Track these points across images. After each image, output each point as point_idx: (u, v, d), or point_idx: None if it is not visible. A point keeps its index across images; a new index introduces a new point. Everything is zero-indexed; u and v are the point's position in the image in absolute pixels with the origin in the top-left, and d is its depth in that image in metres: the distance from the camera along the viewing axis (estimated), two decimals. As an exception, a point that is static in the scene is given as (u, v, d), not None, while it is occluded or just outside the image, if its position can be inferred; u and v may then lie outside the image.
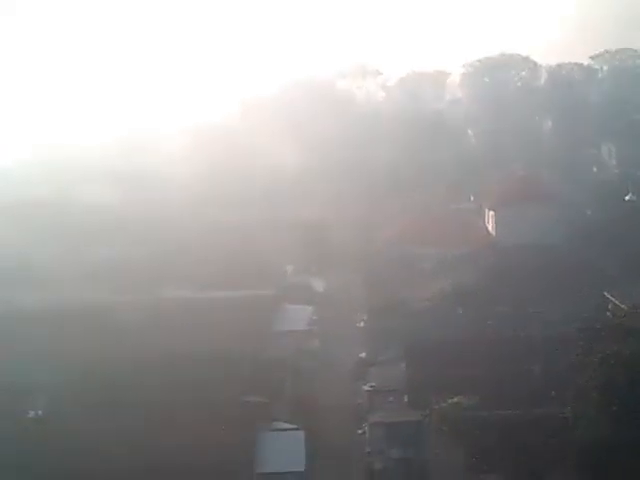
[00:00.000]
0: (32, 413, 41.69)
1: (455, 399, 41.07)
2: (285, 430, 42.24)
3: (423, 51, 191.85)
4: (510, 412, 39.77)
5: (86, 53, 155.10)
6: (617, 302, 53.98)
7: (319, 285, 70.12)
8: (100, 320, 50.80)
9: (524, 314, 54.23)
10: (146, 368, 44.16)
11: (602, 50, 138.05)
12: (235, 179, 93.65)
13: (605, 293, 56.20)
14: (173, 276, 60.77)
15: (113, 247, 67.88)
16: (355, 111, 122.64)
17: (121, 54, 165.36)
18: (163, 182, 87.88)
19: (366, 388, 48.77)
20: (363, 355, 56.30)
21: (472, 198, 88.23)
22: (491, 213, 79.67)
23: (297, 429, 42.15)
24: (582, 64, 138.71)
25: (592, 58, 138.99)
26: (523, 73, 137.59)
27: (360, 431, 45.52)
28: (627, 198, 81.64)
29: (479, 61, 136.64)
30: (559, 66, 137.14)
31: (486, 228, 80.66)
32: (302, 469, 38.97)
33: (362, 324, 63.34)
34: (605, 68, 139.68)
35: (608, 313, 51.91)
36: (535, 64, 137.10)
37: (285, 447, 40.18)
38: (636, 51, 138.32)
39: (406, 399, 44.72)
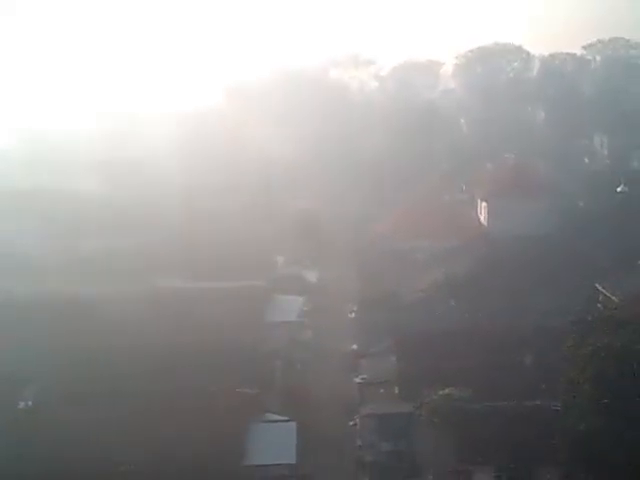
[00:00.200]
0: (22, 404, 41.59)
1: (446, 391, 41.04)
2: (277, 422, 42.11)
3: (416, 41, 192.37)
4: (501, 404, 39.84)
5: (72, 40, 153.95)
6: (608, 294, 54.12)
7: (311, 276, 69.93)
8: (90, 311, 50.53)
9: (516, 305, 54.17)
10: (137, 359, 44.06)
11: (595, 40, 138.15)
12: (226, 169, 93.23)
13: (596, 285, 56.32)
14: (163, 267, 60.39)
15: (102, 237, 67.52)
16: (348, 100, 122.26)
17: (109, 41, 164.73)
18: (153, 172, 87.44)
19: (357, 380, 48.73)
20: (355, 347, 56.26)
21: (464, 188, 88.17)
22: (483, 204, 79.61)
23: (289, 421, 42.06)
24: (575, 54, 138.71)
25: (585, 48, 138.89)
26: (516, 63, 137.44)
27: (351, 423, 45.55)
28: (619, 189, 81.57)
29: (472, 51, 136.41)
30: (552, 56, 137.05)
31: (478, 219, 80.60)
32: (293, 461, 38.94)
33: (353, 315, 63.29)
34: (598, 58, 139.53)
35: (599, 305, 52.06)
36: (528, 54, 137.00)
37: (276, 439, 40.04)
38: (628, 41, 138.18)
39: (397, 391, 44.67)
